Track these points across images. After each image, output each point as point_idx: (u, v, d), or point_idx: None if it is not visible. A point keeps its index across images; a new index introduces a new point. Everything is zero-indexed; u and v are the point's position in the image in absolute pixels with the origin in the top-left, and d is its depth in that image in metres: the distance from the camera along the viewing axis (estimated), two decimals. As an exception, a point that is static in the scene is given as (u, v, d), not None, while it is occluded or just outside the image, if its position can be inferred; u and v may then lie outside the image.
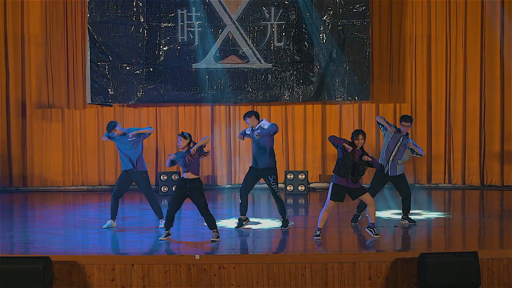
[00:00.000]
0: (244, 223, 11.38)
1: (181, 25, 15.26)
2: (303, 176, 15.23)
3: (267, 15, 15.31)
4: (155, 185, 15.20)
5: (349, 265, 9.42)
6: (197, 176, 10.45)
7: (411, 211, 11.72)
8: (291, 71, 15.30)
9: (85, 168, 15.91)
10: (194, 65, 15.27)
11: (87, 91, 15.20)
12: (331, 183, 10.49)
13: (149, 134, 11.70)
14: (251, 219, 11.73)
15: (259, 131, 11.10)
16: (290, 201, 14.53)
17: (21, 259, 9.20)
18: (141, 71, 15.12)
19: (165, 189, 15.11)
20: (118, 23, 15.00)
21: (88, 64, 15.07)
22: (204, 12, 15.20)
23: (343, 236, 11.09)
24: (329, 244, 10.43)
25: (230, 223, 11.69)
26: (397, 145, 11.38)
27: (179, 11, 15.23)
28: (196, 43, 15.27)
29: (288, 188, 15.18)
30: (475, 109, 15.82)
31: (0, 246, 9.97)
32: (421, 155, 11.61)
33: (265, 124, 11.22)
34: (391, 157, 11.38)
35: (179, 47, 15.25)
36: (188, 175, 10.41)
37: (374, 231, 10.59)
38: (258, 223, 11.81)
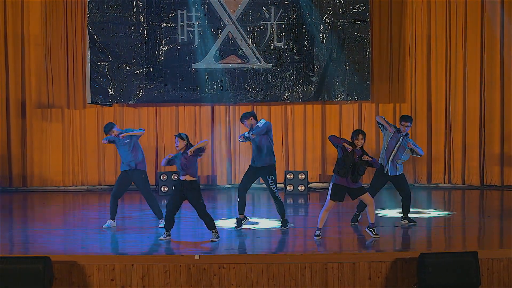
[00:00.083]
0: (242, 222, 11.37)
1: (181, 25, 15.26)
2: (303, 176, 15.23)
3: (267, 15, 15.31)
4: (155, 185, 15.20)
5: (349, 265, 9.41)
6: (195, 179, 10.44)
7: (411, 210, 11.73)
8: (291, 71, 15.30)
9: (85, 168, 15.91)
10: (194, 65, 15.27)
11: (87, 91, 15.21)
12: (331, 183, 10.49)
13: (140, 135, 11.69)
14: (251, 219, 11.73)
15: (254, 131, 11.12)
16: (290, 201, 14.54)
17: (21, 259, 9.20)
18: (141, 71, 15.12)
19: (165, 189, 15.11)
20: (118, 23, 15.00)
21: (88, 64, 15.07)
22: (204, 12, 15.20)
23: (343, 236, 11.09)
24: (329, 244, 10.43)
25: (230, 223, 11.69)
26: (397, 145, 11.38)
27: (179, 11, 15.23)
28: (196, 43, 15.28)
29: (288, 188, 15.18)
30: (475, 109, 15.82)
31: (0, 246, 9.97)
32: (420, 155, 11.61)
33: (260, 123, 11.23)
34: (391, 157, 11.38)
35: (179, 47, 15.25)
36: (186, 178, 10.40)
37: (374, 231, 10.58)
38: (258, 223, 11.81)
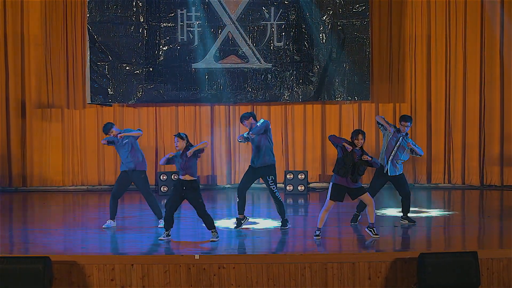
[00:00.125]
0: (242, 221, 11.36)
1: (180, 25, 15.26)
2: (303, 176, 15.22)
3: (267, 15, 15.31)
4: (155, 185, 15.20)
5: (348, 265, 9.41)
6: (194, 178, 10.44)
7: (411, 210, 11.73)
8: (291, 71, 15.30)
9: (85, 168, 15.91)
10: (194, 65, 15.27)
11: (87, 91, 15.21)
12: (331, 183, 10.49)
13: (137, 136, 11.68)
14: (251, 219, 11.73)
15: (252, 130, 11.13)
16: (289, 201, 14.53)
17: (21, 259, 9.19)
18: (140, 71, 15.12)
19: (165, 189, 15.11)
20: (118, 23, 15.00)
21: (88, 64, 15.08)
22: (204, 12, 15.21)
23: (343, 236, 11.09)
24: (328, 244, 10.43)
25: (229, 223, 11.69)
26: (397, 145, 11.37)
27: (179, 11, 15.23)
28: (196, 43, 15.28)
29: (287, 188, 15.18)
30: (474, 109, 15.82)
31: (0, 246, 9.97)
32: (420, 155, 11.61)
33: (259, 123, 11.23)
34: (391, 156, 11.37)
35: (178, 47, 15.25)
36: (186, 177, 10.40)
37: (373, 231, 10.58)
38: (257, 223, 11.81)
